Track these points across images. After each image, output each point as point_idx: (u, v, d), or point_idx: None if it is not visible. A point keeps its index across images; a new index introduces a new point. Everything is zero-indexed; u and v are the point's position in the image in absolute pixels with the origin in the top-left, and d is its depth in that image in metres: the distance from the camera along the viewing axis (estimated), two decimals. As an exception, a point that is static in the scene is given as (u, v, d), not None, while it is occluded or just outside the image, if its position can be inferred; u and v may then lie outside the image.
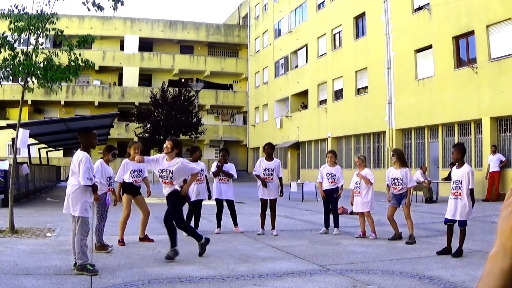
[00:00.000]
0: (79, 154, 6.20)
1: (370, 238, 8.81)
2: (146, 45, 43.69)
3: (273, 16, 38.63)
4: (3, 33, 9.00)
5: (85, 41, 9.41)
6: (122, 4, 8.94)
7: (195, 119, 28.56)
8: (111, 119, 18.28)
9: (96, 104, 41.05)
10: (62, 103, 40.49)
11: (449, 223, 7.35)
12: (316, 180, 10.59)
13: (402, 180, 8.49)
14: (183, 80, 41.10)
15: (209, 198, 9.66)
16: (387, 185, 8.74)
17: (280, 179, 9.56)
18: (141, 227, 8.50)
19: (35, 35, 9.05)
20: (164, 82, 39.24)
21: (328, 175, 9.67)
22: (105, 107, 40.82)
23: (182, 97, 28.71)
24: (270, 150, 9.67)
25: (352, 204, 9.43)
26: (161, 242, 8.35)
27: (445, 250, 7.27)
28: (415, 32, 21.47)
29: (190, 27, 44.71)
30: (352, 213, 13.28)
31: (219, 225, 9.68)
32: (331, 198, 9.69)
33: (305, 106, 33.57)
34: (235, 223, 9.81)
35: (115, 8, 8.94)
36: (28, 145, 15.21)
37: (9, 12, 8.97)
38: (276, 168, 9.48)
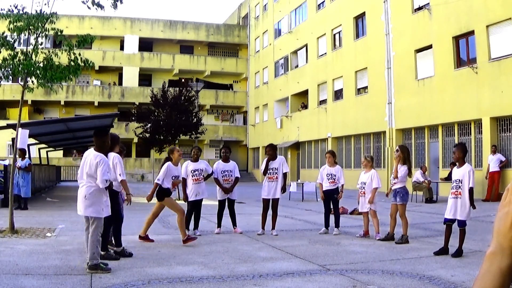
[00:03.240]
0: (96, 156, 6.08)
1: (377, 239, 8.74)
2: (146, 45, 43.66)
3: (273, 16, 38.63)
4: (3, 33, 8.99)
5: (85, 41, 9.41)
6: (121, 2, 8.93)
7: (195, 119, 28.57)
8: (111, 119, 18.25)
9: (96, 104, 41.01)
10: (62, 103, 40.46)
11: (448, 222, 7.34)
12: (316, 180, 10.56)
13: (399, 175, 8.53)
14: (183, 80, 41.06)
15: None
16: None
17: (285, 174, 9.54)
18: (145, 226, 8.45)
19: (35, 35, 9.04)
20: (164, 82, 39.26)
21: (328, 175, 9.65)
22: (105, 107, 40.79)
23: (183, 97, 28.73)
24: (271, 151, 9.64)
25: (358, 203, 9.40)
26: (161, 242, 8.35)
27: (441, 250, 7.24)
28: (415, 32, 21.46)
29: (190, 27, 44.68)
30: (352, 213, 13.30)
31: (219, 225, 9.66)
32: (331, 198, 9.68)
33: (305, 106, 33.57)
34: (234, 224, 9.79)
35: (115, 7, 8.92)
36: (28, 145, 15.19)
37: (9, 12, 8.96)
38: (280, 165, 9.49)
